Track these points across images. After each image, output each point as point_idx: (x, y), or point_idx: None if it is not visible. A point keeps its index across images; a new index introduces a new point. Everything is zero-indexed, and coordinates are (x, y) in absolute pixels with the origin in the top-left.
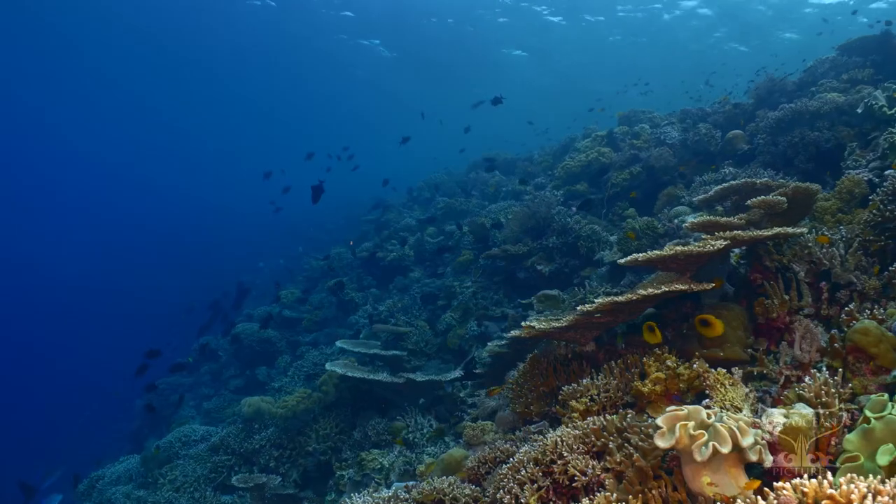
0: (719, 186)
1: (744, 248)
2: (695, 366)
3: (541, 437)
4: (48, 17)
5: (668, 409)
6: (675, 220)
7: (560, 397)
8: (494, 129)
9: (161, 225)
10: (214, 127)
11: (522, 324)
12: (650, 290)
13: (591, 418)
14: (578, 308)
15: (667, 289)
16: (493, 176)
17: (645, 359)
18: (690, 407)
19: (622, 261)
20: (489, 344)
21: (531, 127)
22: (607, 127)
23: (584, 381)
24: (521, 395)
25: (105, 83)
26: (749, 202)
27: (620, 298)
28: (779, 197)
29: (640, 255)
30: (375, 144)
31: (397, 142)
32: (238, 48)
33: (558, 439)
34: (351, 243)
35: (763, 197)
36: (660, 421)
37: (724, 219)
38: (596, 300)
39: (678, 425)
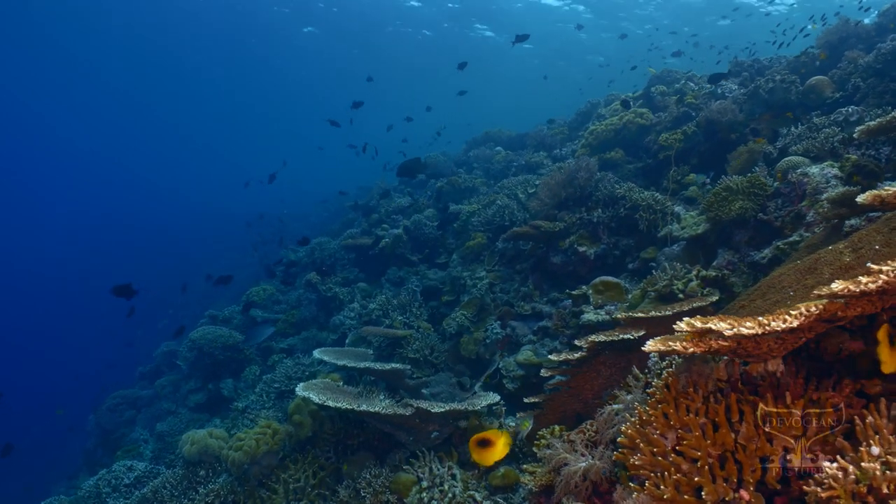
0: None
1: None
2: None
3: None
4: (36, 13)
5: None
6: (795, 173)
7: (811, 497)
8: (491, 117)
9: (141, 220)
10: (200, 122)
11: (684, 327)
12: None
13: None
14: (835, 285)
15: None
16: (496, 153)
17: None
18: None
19: (868, 197)
20: (546, 357)
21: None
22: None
23: (865, 450)
24: (660, 464)
25: (88, 76)
26: None
27: None
28: None
29: None
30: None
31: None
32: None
33: None
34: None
35: None
36: None
37: None
38: (886, 268)
39: None
